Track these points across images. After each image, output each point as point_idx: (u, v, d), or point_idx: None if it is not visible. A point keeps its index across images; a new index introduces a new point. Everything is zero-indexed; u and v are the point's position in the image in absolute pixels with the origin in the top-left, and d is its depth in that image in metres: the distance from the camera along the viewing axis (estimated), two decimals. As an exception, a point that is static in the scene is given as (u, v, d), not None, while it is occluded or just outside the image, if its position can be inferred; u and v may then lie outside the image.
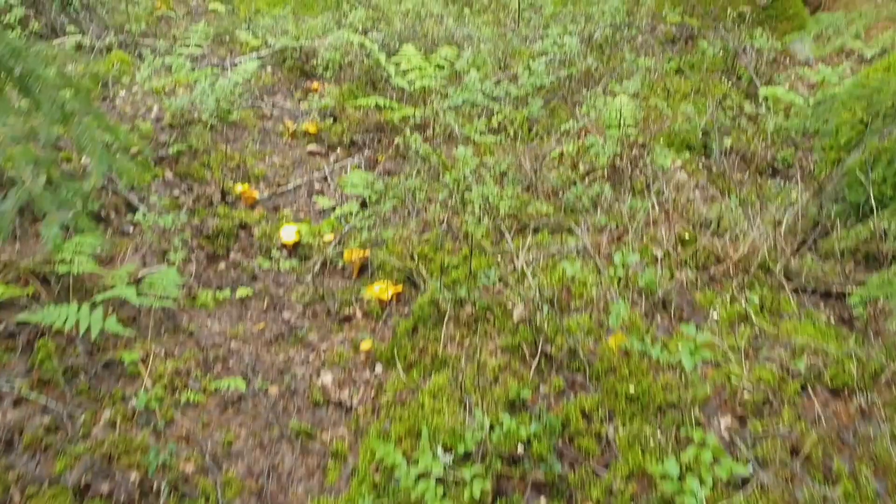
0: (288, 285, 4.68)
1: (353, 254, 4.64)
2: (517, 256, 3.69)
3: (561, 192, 4.62)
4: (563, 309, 3.41)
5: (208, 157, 5.71)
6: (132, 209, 4.86)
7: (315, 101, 6.93)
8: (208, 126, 6.01)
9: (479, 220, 4.25)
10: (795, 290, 3.59)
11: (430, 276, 4.29)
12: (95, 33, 7.37)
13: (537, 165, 4.81)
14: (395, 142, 6.19)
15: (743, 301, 3.49)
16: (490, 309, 3.64)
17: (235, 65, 8.09)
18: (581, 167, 4.85)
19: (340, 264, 4.72)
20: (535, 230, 4.33)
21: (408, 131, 5.73)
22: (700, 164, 5.39)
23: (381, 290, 4.31)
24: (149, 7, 9.65)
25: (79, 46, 7.01)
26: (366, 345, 4.00)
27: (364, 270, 4.66)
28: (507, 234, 4.02)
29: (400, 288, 4.32)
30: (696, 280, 3.71)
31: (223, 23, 9.62)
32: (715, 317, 3.41)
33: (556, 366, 3.13)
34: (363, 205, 5.07)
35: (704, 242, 3.96)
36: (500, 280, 3.81)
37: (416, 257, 4.47)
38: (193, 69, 7.09)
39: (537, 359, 3.15)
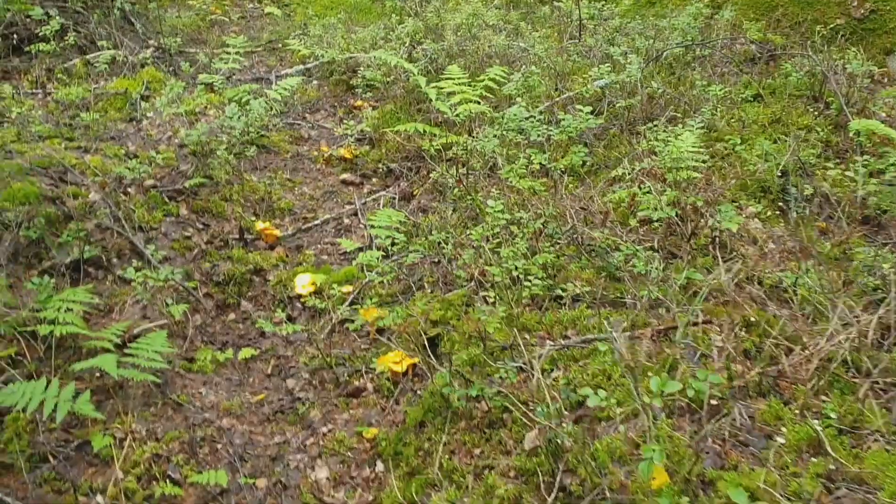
0: (297, 345, 4.22)
1: (370, 313, 4.14)
2: (535, 358, 3.12)
3: (607, 253, 4.01)
4: (591, 425, 2.83)
5: (230, 190, 5.31)
6: (137, 253, 4.48)
7: (353, 124, 6.47)
8: (234, 153, 5.60)
9: (507, 287, 3.69)
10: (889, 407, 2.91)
11: (450, 349, 3.75)
12: (130, 48, 7.07)
13: (582, 217, 4.21)
14: (433, 174, 5.66)
15: (816, 417, 2.84)
16: (509, 410, 3.09)
17: (280, 77, 7.73)
18: (634, 220, 4.22)
19: (356, 322, 4.23)
20: (574, 300, 3.74)
21: (445, 166, 5.19)
22: (776, 212, 4.68)
23: (395, 361, 3.81)
24: (202, 12, 9.38)
25: (113, 60, 6.71)
26: (370, 433, 3.50)
27: (381, 332, 4.16)
28: (526, 316, 3.45)
29: (416, 360, 3.81)
30: (760, 382, 3.06)
31: (277, 27, 9.29)
32: (780, 441, 2.77)
33: (576, 505, 2.57)
34: (387, 254, 4.56)
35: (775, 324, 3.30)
36: (521, 370, 3.25)
37: (437, 323, 3.94)
38: (230, 86, 6.72)
39: (553, 495, 2.59)
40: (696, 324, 3.17)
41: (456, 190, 4.93)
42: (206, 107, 6.07)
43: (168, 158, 5.33)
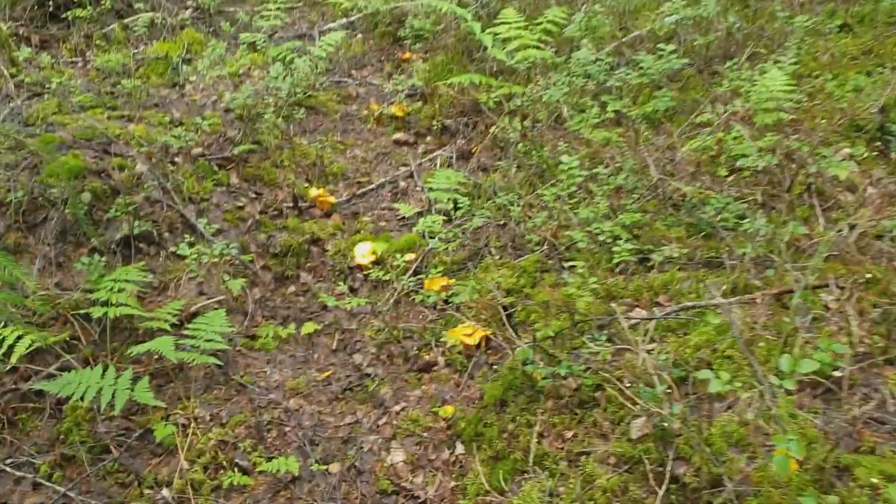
0: (362, 318, 3.98)
1: (435, 283, 3.87)
2: (631, 332, 2.81)
3: (697, 208, 3.65)
4: (703, 405, 2.52)
5: (281, 154, 5.04)
6: (190, 226, 4.25)
7: (403, 79, 6.13)
8: (282, 115, 5.33)
9: (591, 252, 3.37)
10: None
11: (524, 319, 3.47)
12: (168, 9, 6.79)
13: (664, 168, 3.84)
14: (493, 129, 5.32)
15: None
16: (601, 388, 2.80)
17: (323, 32, 7.39)
18: (723, 169, 3.85)
19: (421, 294, 3.96)
20: (662, 264, 3.41)
21: (506, 119, 4.84)
22: (874, 153, 4.25)
23: (467, 334, 3.54)
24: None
25: (151, 23, 6.46)
26: (446, 411, 3.25)
27: (447, 303, 3.89)
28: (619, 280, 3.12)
29: (489, 332, 3.53)
30: (886, 348, 2.72)
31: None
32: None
33: (691, 499, 2.28)
34: (449, 218, 4.26)
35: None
36: (610, 342, 2.95)
37: (509, 292, 3.65)
38: (273, 44, 6.43)
39: (664, 487, 2.30)
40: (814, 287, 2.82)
41: (520, 145, 4.58)
42: (249, 68, 5.79)
43: (214, 124, 5.08)
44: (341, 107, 5.94)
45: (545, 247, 3.83)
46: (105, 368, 3.11)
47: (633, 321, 3.05)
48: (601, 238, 3.36)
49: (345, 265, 4.29)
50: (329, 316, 4.01)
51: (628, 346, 2.84)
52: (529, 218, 3.99)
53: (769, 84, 4.15)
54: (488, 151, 5.20)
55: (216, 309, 3.63)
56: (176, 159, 4.67)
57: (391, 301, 3.93)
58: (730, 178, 3.91)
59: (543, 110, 4.67)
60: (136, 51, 6.10)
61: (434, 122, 5.61)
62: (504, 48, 5.45)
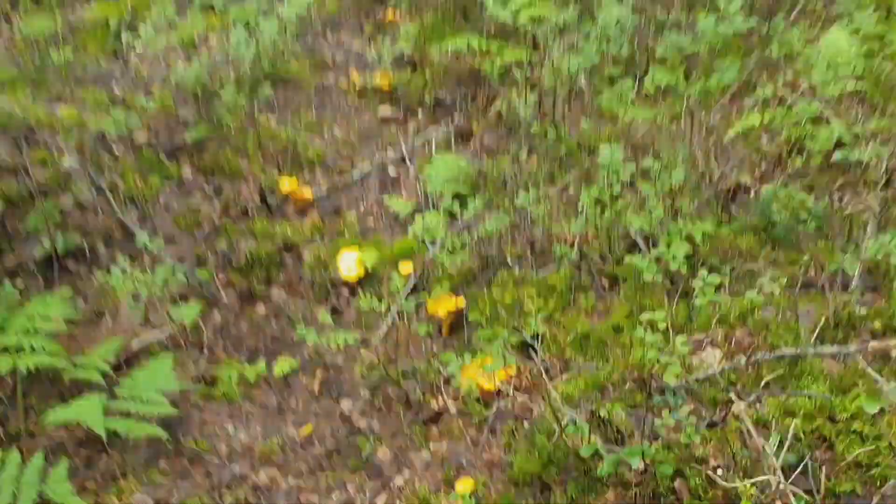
0: (349, 350, 3.20)
1: (441, 304, 3.10)
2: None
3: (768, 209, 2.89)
4: None
5: (244, 139, 4.20)
6: (130, 236, 3.44)
7: (388, 42, 5.27)
8: (246, 91, 4.47)
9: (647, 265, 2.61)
10: None
11: (559, 355, 2.72)
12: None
13: (723, 157, 3.07)
14: (496, 103, 4.50)
15: None
16: (681, 474, 2.06)
17: (293, -9, 6.48)
18: (798, 159, 3.09)
19: (423, 315, 3.19)
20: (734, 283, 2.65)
21: (514, 93, 4.03)
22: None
23: (484, 373, 2.78)
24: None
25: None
26: (465, 486, 2.50)
27: (456, 328, 3.13)
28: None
29: (513, 369, 2.78)
30: None
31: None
32: None
33: None
34: (451, 214, 3.47)
35: None
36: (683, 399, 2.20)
37: (534, 316, 2.88)
38: (233, 4, 5.52)
39: None
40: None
41: (535, 125, 3.78)
42: (206, 33, 4.89)
43: (163, 104, 4.23)
44: (316, 77, 5.08)
45: (574, 254, 3.06)
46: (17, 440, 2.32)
47: (709, 370, 2.30)
48: (675, 267, 2.57)
49: (326, 278, 3.50)
50: (308, 347, 3.23)
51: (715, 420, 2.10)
52: (552, 218, 3.22)
53: (830, 43, 3.36)
54: (492, 130, 4.39)
55: (161, 352, 2.84)
56: (115, 150, 3.83)
57: (385, 328, 3.16)
58: (801, 166, 3.16)
59: (560, 80, 3.84)
60: (71, 15, 5.17)
61: (426, 95, 4.77)
62: (506, 5, 4.60)
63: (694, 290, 2.69)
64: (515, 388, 2.76)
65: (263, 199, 3.90)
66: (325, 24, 5.82)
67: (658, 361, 2.33)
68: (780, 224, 2.78)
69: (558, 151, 3.85)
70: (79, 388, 2.76)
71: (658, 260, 2.61)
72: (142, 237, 3.34)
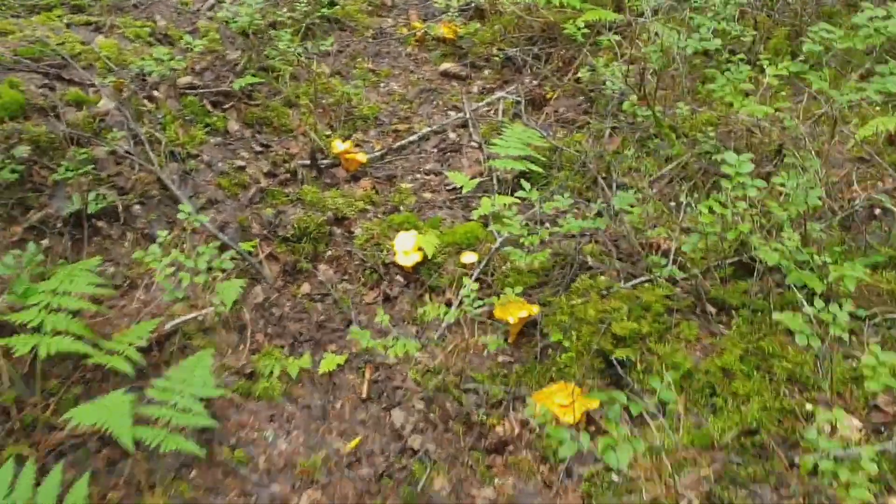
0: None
1: (511, 308, 2.74)
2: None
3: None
4: None
5: (296, 88, 3.81)
6: (170, 198, 3.09)
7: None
8: (300, 31, 4.06)
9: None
10: None
11: (645, 385, 2.38)
12: None
13: (850, 168, 2.65)
14: (575, 67, 4.06)
15: None
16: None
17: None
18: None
19: (487, 317, 2.84)
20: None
21: (601, 60, 3.58)
22: None
23: (561, 404, 2.45)
24: None
25: None
26: (535, 538, 2.20)
27: (525, 336, 2.78)
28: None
29: (595, 402, 2.44)
30: None
31: None
32: None
33: None
34: (519, 193, 3.07)
35: None
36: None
37: (623, 340, 2.53)
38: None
39: None
40: None
41: (628, 103, 3.35)
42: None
43: (211, 43, 3.82)
44: (373, 20, 4.65)
45: (668, 265, 2.68)
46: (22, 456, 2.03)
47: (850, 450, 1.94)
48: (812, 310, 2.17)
49: (379, 259, 3.15)
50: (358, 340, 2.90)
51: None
52: (643, 218, 2.82)
53: None
54: (568, 98, 3.96)
55: (197, 334, 2.53)
56: (155, 93, 3.45)
57: (443, 329, 2.82)
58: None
59: (658, 54, 3.37)
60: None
61: (494, 51, 4.34)
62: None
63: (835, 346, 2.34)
64: (597, 429, 2.42)
65: (314, 162, 3.53)
66: (383, -42, 5.36)
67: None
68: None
69: (648, 135, 3.44)
70: (105, 374, 2.46)
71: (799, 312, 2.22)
72: (182, 201, 2.98)
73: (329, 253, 3.21)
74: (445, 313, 2.69)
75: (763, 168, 2.89)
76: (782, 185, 2.32)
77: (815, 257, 2.21)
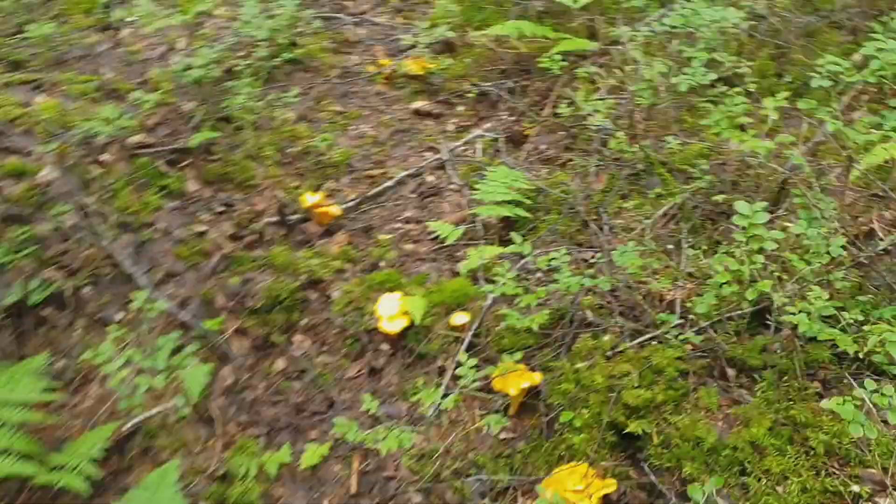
0: (392, 425, 2.60)
1: (511, 379, 2.48)
2: None
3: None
4: None
5: (258, 139, 3.54)
6: (122, 275, 2.80)
7: (419, 22, 4.59)
8: (261, 77, 3.80)
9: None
10: None
11: (673, 466, 2.13)
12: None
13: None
14: (552, 98, 3.84)
15: None
16: None
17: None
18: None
19: (485, 387, 2.58)
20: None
21: (583, 94, 3.36)
22: None
23: (573, 486, 2.19)
24: None
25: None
26: None
27: (527, 408, 2.53)
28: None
29: (613, 485, 2.19)
30: None
31: None
32: None
33: None
34: (506, 242, 2.81)
35: None
36: None
37: (637, 410, 2.29)
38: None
39: None
40: None
41: (614, 141, 3.13)
42: (212, 4, 4.17)
43: (163, 93, 3.55)
44: (338, 59, 4.39)
45: (676, 320, 2.45)
46: None
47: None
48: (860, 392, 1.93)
49: (360, 326, 2.88)
50: (343, 426, 2.62)
51: None
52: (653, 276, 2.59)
53: None
54: (548, 133, 3.73)
55: (160, 431, 2.24)
56: (104, 156, 3.16)
57: (437, 403, 2.55)
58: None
59: (639, 84, 3.15)
60: (51, -23, 4.44)
61: (467, 86, 4.11)
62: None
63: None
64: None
65: (282, 217, 3.26)
66: (343, -7, 5.13)
67: None
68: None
69: (637, 171, 3.22)
70: (57, 493, 2.16)
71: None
72: (137, 279, 2.70)
73: (304, 322, 2.94)
74: (440, 395, 2.43)
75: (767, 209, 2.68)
76: (800, 233, 2.09)
77: (845, 315, 1.98)
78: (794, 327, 2.04)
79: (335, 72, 4.25)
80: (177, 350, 2.44)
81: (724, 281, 2.04)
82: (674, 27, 3.06)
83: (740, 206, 2.10)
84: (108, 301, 2.72)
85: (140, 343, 2.42)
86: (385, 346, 2.82)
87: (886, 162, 2.60)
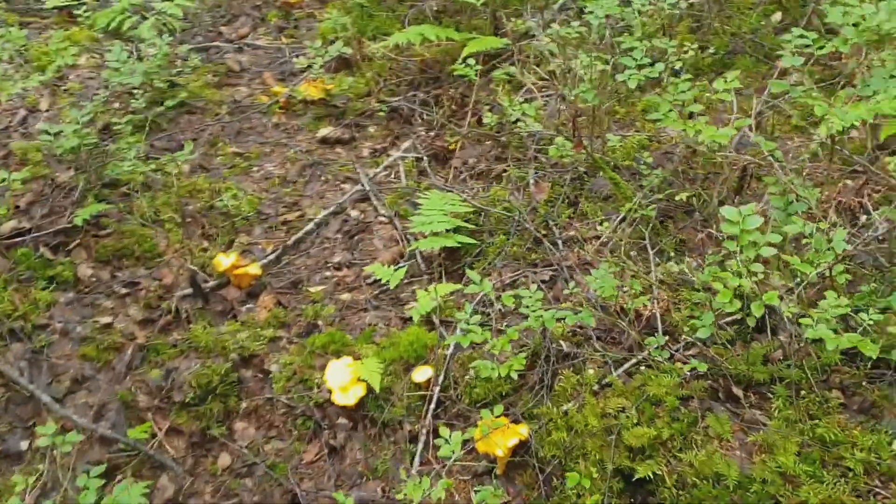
0: (368, 512, 2.28)
1: (496, 439, 2.19)
2: None
3: None
4: None
5: (152, 200, 3.13)
6: (19, 394, 2.36)
7: (308, 38, 4.23)
8: (144, 129, 3.37)
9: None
10: None
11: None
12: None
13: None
14: (469, 104, 3.56)
15: None
16: None
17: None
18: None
19: (467, 453, 2.28)
20: None
21: (507, 98, 3.09)
22: None
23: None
24: None
25: None
26: None
27: (517, 466, 2.24)
28: None
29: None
30: None
31: None
32: None
33: None
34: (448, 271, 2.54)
35: None
36: None
37: (641, 451, 2.04)
38: (99, 6, 4.31)
39: None
40: None
41: (553, 149, 2.87)
42: (73, 56, 3.67)
43: (33, 164, 3.08)
44: (225, 93, 3.99)
45: (662, 340, 2.21)
46: None
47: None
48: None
49: (310, 401, 2.53)
50: (309, 516, 2.29)
51: None
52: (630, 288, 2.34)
53: None
54: (475, 145, 3.45)
55: None
56: (-28, 254, 2.69)
57: (413, 465, 2.24)
58: None
59: (594, 94, 2.84)
60: None
61: (374, 104, 3.78)
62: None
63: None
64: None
65: (196, 287, 2.86)
66: (215, 19, 4.71)
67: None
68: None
69: (579, 174, 2.98)
70: None
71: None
72: (38, 395, 2.27)
73: (244, 406, 2.57)
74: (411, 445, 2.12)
75: (731, 202, 2.48)
76: (798, 233, 1.88)
77: (863, 316, 1.78)
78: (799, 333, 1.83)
79: (225, 108, 3.84)
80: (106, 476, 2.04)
81: (726, 300, 1.80)
82: (605, 16, 2.81)
83: (728, 212, 1.86)
84: (8, 430, 2.28)
85: (55, 483, 2.01)
86: (342, 420, 2.48)
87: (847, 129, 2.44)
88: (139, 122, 3.32)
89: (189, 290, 2.86)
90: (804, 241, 1.90)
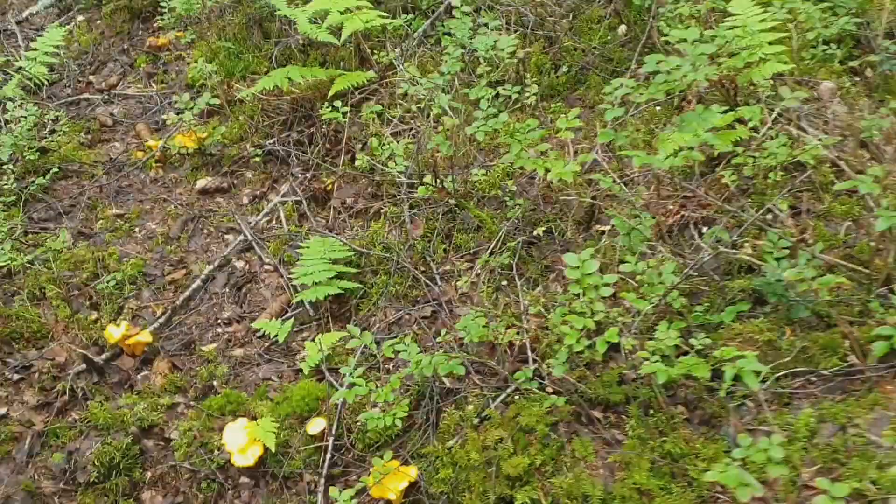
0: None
1: (388, 483, 2.36)
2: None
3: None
4: None
5: (35, 279, 3.14)
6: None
7: (177, 83, 4.26)
8: (21, 202, 3.36)
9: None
10: None
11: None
12: None
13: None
14: (342, 141, 3.67)
15: None
16: None
17: (25, 22, 5.22)
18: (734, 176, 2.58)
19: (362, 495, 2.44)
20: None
21: (376, 140, 3.22)
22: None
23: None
24: None
25: None
26: None
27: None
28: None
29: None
30: None
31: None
32: None
33: None
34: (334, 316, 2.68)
35: None
36: None
37: (518, 480, 2.24)
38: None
39: None
40: None
41: (422, 188, 3.03)
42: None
43: None
44: (98, 152, 3.99)
45: (532, 372, 2.41)
46: None
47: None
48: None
49: (211, 464, 2.63)
50: (223, 580, 2.41)
51: None
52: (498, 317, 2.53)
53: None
54: (350, 184, 3.58)
55: None
56: None
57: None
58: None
59: (449, 144, 2.99)
60: None
61: (249, 148, 3.85)
62: (321, 22, 3.73)
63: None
64: None
65: (89, 363, 2.91)
66: (83, 67, 4.66)
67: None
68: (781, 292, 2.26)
69: (451, 207, 3.15)
70: None
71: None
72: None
73: (149, 476, 2.65)
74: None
75: (579, 237, 2.71)
76: (630, 271, 2.10)
77: (693, 341, 2.02)
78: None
79: (101, 169, 3.84)
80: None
81: (573, 341, 2.01)
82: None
83: (568, 258, 2.07)
84: None
85: None
86: (245, 479, 2.60)
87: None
88: (12, 201, 3.31)
89: (82, 367, 2.90)
90: (637, 278, 2.13)
